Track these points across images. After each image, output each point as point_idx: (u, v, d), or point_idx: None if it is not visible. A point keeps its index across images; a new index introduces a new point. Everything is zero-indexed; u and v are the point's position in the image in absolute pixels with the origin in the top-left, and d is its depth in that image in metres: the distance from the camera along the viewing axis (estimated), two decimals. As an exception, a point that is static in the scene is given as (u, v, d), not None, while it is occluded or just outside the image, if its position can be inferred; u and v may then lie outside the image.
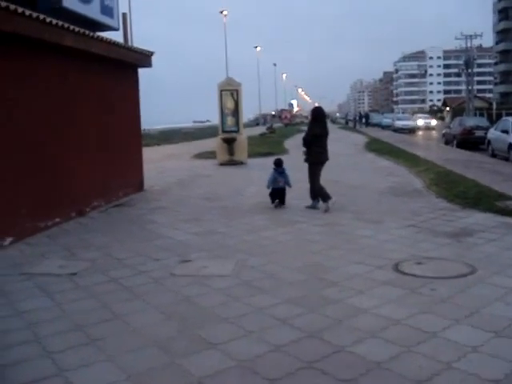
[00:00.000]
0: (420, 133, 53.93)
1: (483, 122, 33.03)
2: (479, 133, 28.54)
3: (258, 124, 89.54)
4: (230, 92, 21.18)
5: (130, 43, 14.38)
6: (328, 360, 4.32)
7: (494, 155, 23.33)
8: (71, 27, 9.89)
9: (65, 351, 4.61)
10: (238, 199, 12.73)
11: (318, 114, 11.64)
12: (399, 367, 4.18)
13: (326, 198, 11.02)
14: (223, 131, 21.39)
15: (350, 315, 5.27)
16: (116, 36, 13.91)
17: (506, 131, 22.05)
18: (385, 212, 10.56)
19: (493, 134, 24.06)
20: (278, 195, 11.56)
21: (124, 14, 14.73)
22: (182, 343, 4.74)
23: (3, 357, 4.56)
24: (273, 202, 11.52)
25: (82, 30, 10.35)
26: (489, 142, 24.50)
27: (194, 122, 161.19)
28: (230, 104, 21.17)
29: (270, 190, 11.61)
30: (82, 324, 5.24)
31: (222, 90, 21.23)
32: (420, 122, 60.11)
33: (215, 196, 13.30)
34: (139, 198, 13.41)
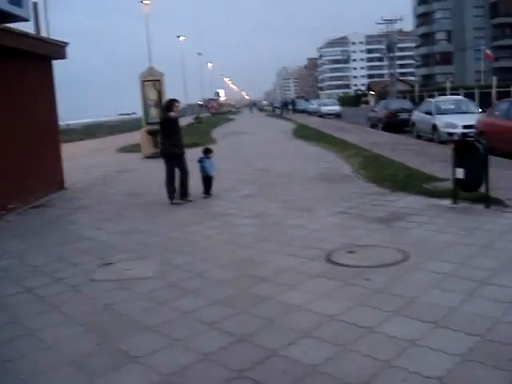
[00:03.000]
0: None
1: (407, 104, 33.54)
2: (403, 115, 28.84)
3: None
4: (153, 82, 20.53)
5: (42, 34, 13.59)
6: (260, 367, 3.99)
7: (419, 137, 23.59)
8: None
9: (-34, 378, 4.11)
10: (164, 194, 12.24)
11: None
12: (337, 370, 3.89)
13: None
14: (147, 123, 20.73)
15: (282, 314, 4.96)
16: (27, 27, 13.13)
17: (429, 113, 22.32)
18: (315, 199, 10.34)
19: (417, 115, 24.34)
20: (208, 183, 11.45)
21: (35, 4, 13.90)
22: (100, 359, 4.30)
23: None
24: (207, 192, 11.42)
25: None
26: (413, 123, 24.79)
27: (120, 114, 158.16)
28: (152, 95, 20.50)
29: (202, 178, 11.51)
30: (-12, 343, 4.72)
31: (143, 81, 20.55)
32: None
33: (139, 192, 12.75)
34: (60, 198, 12.73)
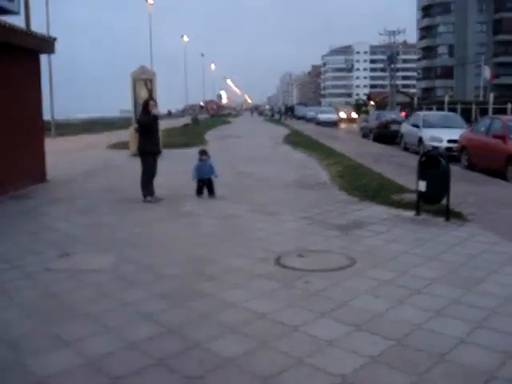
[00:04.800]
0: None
1: (399, 116, 33.82)
2: (395, 127, 29.03)
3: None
4: (144, 81, 20.78)
5: (34, 28, 13.83)
6: (180, 357, 4.23)
7: (406, 149, 23.88)
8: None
9: None
10: (140, 191, 12.49)
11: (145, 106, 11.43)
12: (250, 363, 4.13)
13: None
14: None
15: (217, 310, 5.19)
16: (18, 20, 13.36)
17: (416, 126, 22.59)
18: (284, 204, 10.58)
19: (405, 128, 24.61)
20: (204, 185, 11.63)
21: (26, -3, 14.13)
22: (34, 341, 4.54)
23: None
24: (199, 192, 11.56)
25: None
26: (401, 135, 25.04)
27: (122, 110, 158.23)
28: (143, 93, 20.69)
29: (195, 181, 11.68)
30: None
31: (135, 79, 20.80)
32: None
33: (117, 188, 13.00)
34: (39, 190, 12.97)
